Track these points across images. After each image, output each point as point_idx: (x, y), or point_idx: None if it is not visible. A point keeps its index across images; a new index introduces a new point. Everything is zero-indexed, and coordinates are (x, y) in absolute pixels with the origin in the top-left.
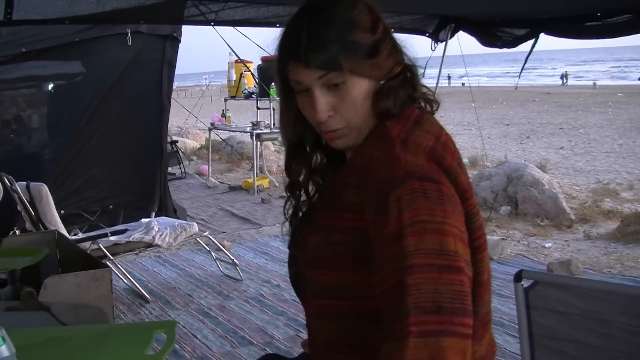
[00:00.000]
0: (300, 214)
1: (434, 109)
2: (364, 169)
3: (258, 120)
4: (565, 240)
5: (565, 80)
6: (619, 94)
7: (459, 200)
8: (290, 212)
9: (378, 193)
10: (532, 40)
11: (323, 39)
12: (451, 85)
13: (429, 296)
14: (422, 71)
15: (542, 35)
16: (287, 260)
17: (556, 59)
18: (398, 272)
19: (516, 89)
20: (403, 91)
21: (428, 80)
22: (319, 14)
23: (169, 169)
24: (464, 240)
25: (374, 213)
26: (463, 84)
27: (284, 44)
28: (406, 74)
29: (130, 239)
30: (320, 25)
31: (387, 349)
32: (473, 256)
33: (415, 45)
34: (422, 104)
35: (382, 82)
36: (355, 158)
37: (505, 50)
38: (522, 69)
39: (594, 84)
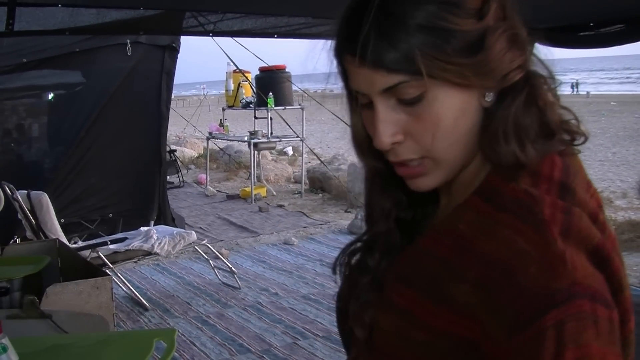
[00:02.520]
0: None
1: (578, 143)
2: (494, 263)
3: (256, 129)
4: None
5: (575, 90)
6: (612, 103)
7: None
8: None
9: (522, 306)
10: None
11: (395, 24)
12: None
13: None
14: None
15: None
16: (284, 268)
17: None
18: None
19: None
20: (529, 117)
21: None
22: None
23: (168, 177)
24: None
25: (508, 332)
26: None
27: (342, 26)
28: (529, 85)
29: (130, 247)
30: (394, 1)
31: None
32: None
33: None
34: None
35: (489, 98)
36: (474, 241)
37: None
38: None
39: (588, 93)
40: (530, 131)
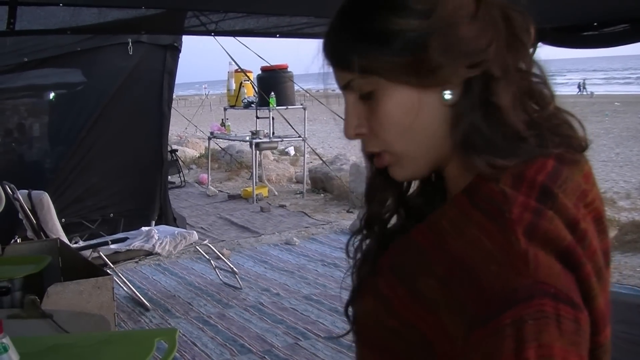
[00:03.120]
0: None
1: (581, 149)
2: (459, 262)
3: (257, 129)
4: None
5: (583, 90)
6: (616, 103)
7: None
8: (359, 254)
9: (481, 304)
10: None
11: (343, 26)
12: None
13: None
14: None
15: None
16: (286, 268)
17: (565, 69)
18: None
19: None
20: (487, 120)
21: None
22: None
23: (169, 177)
24: None
25: (466, 330)
26: None
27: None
28: (487, 87)
29: (131, 247)
30: (352, 4)
31: None
32: None
33: None
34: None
35: (447, 96)
36: (447, 238)
37: None
38: None
39: (592, 93)
40: (490, 136)
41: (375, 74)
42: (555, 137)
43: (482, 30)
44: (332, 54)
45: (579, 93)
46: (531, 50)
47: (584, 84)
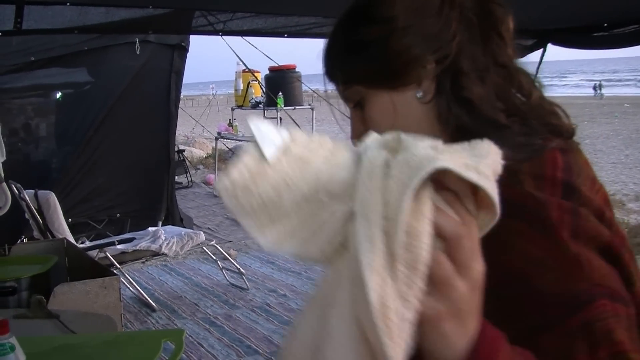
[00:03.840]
0: None
1: (569, 136)
2: (511, 273)
3: None
4: None
5: (599, 91)
6: (626, 105)
7: None
8: None
9: (544, 311)
10: (541, 51)
11: (328, 42)
12: None
13: None
14: None
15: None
16: (293, 269)
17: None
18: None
19: None
20: (460, 110)
21: None
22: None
23: (176, 178)
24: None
25: (526, 339)
26: None
27: None
28: (446, 82)
29: (137, 247)
30: (337, 24)
31: None
32: None
33: None
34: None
35: (419, 94)
36: (487, 247)
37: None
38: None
39: (601, 94)
40: (477, 129)
41: (356, 83)
42: (543, 126)
43: (445, 25)
44: (326, 71)
45: (597, 95)
46: (512, 41)
47: (600, 85)
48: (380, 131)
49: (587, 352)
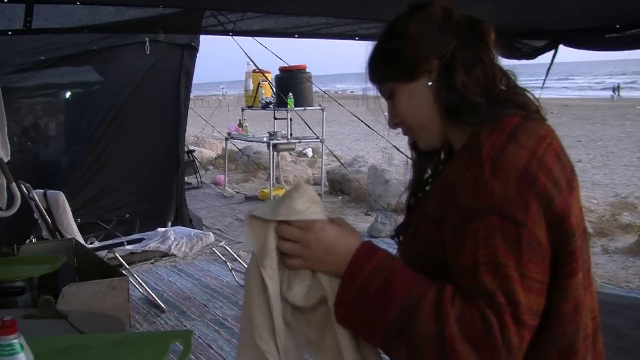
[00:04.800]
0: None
1: (536, 114)
2: (452, 186)
3: (275, 130)
4: None
5: (617, 94)
6: (638, 107)
7: (553, 225)
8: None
9: (458, 218)
10: (552, 52)
11: (371, 53)
12: None
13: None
14: None
15: (562, 47)
16: None
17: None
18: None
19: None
20: (451, 94)
21: None
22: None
23: (185, 178)
24: (538, 290)
25: (451, 236)
26: None
27: None
28: (443, 74)
29: (147, 248)
30: (377, 40)
31: None
32: (555, 283)
33: None
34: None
35: (430, 82)
36: (447, 171)
37: (524, 61)
38: (544, 81)
39: (612, 96)
40: (460, 102)
41: (389, 80)
42: (513, 104)
43: (445, 34)
44: (367, 73)
45: (615, 97)
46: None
47: (618, 87)
48: (404, 112)
49: (471, 250)
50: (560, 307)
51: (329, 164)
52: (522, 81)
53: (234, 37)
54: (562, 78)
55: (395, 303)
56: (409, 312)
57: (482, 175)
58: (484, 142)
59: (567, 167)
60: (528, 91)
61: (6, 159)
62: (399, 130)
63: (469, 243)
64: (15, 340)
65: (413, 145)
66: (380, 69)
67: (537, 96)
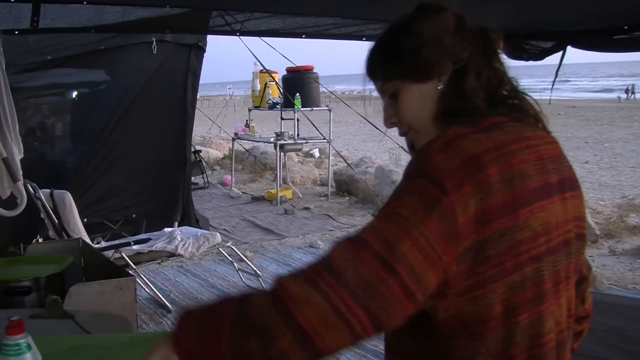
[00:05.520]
0: None
1: (536, 120)
2: (410, 162)
3: (282, 130)
4: (589, 256)
5: (631, 95)
6: None
7: (480, 220)
8: None
9: (403, 178)
10: (560, 53)
11: (374, 50)
12: None
13: (343, 264)
14: None
15: (570, 49)
16: None
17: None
18: (354, 237)
19: (549, 102)
20: (459, 98)
21: None
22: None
23: (192, 178)
24: (428, 256)
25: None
26: None
27: None
28: (454, 78)
29: (153, 248)
30: (380, 37)
31: None
32: (476, 289)
33: None
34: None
35: (440, 86)
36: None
37: (531, 63)
38: (553, 83)
39: (619, 98)
40: (463, 105)
41: (395, 79)
42: (508, 107)
43: (460, 40)
44: (368, 69)
45: (628, 98)
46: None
47: (632, 88)
48: (409, 112)
49: (387, 202)
50: (483, 314)
51: (336, 165)
52: (530, 84)
53: (241, 37)
54: (564, 80)
55: (226, 312)
56: (242, 304)
57: (430, 149)
58: (451, 130)
59: (554, 174)
60: (529, 95)
61: (19, 157)
62: None
63: (396, 194)
64: (23, 340)
65: (411, 146)
66: (387, 67)
67: (546, 98)
